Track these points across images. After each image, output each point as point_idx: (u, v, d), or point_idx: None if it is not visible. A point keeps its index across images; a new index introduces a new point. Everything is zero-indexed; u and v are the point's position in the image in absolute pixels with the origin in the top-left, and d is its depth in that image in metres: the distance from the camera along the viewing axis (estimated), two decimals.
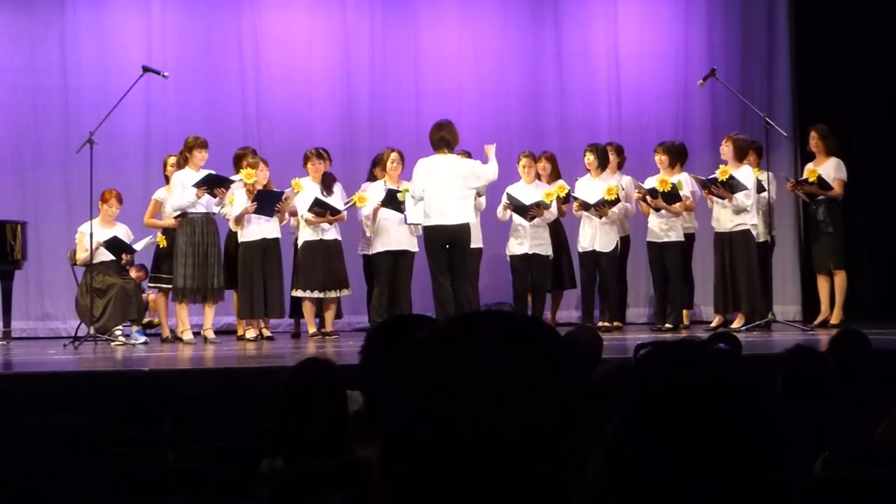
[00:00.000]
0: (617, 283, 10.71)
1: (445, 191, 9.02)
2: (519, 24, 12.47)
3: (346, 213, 10.24)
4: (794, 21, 12.38)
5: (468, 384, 1.06)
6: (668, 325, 10.36)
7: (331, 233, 10.23)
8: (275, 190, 10.16)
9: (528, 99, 12.41)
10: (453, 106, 11.66)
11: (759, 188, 10.26)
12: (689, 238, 10.79)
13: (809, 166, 10.58)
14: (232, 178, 9.94)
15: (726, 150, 10.25)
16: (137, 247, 10.11)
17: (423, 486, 1.06)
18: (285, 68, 12.08)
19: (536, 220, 10.37)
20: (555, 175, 10.83)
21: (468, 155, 9.89)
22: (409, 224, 10.06)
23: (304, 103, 12.07)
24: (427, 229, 9.16)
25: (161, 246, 9.99)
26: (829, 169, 10.40)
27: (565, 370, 1.10)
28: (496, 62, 12.37)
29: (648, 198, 10.39)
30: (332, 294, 10.28)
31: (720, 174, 10.07)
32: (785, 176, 11.07)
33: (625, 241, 10.97)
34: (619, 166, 10.95)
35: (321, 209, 10.05)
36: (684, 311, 10.79)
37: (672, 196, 10.30)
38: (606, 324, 10.43)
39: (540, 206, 10.30)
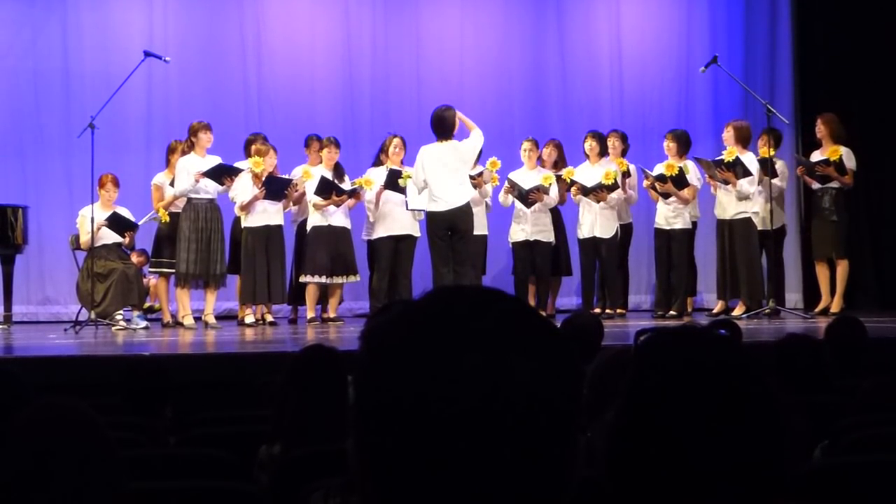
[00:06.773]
0: (617, 270, 10.69)
1: (447, 177, 9.00)
2: (521, 9, 12.44)
3: (352, 197, 10.24)
4: (796, 8, 12.34)
5: (443, 383, 1.01)
6: (672, 312, 10.34)
7: (338, 219, 10.22)
8: (283, 176, 10.15)
9: (529, 84, 12.39)
10: (455, 90, 11.67)
11: (772, 173, 10.18)
12: (692, 225, 10.76)
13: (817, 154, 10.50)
14: (238, 165, 9.94)
15: (727, 136, 10.26)
16: (140, 222, 10.11)
17: (404, 480, 1.03)
18: (287, 52, 12.07)
19: (537, 206, 10.34)
20: (561, 163, 10.79)
21: None
22: (411, 210, 10.06)
23: (305, 87, 12.07)
24: (430, 215, 9.14)
25: (163, 221, 9.97)
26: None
27: (551, 364, 1.05)
28: (498, 47, 12.35)
29: (658, 185, 10.35)
30: (339, 280, 10.29)
31: (727, 155, 10.04)
32: (795, 157, 11.00)
33: (627, 229, 10.93)
34: (623, 153, 10.88)
35: (327, 189, 10.04)
36: (688, 299, 10.78)
37: (680, 181, 10.27)
38: (609, 311, 10.42)
39: (539, 191, 10.26)
